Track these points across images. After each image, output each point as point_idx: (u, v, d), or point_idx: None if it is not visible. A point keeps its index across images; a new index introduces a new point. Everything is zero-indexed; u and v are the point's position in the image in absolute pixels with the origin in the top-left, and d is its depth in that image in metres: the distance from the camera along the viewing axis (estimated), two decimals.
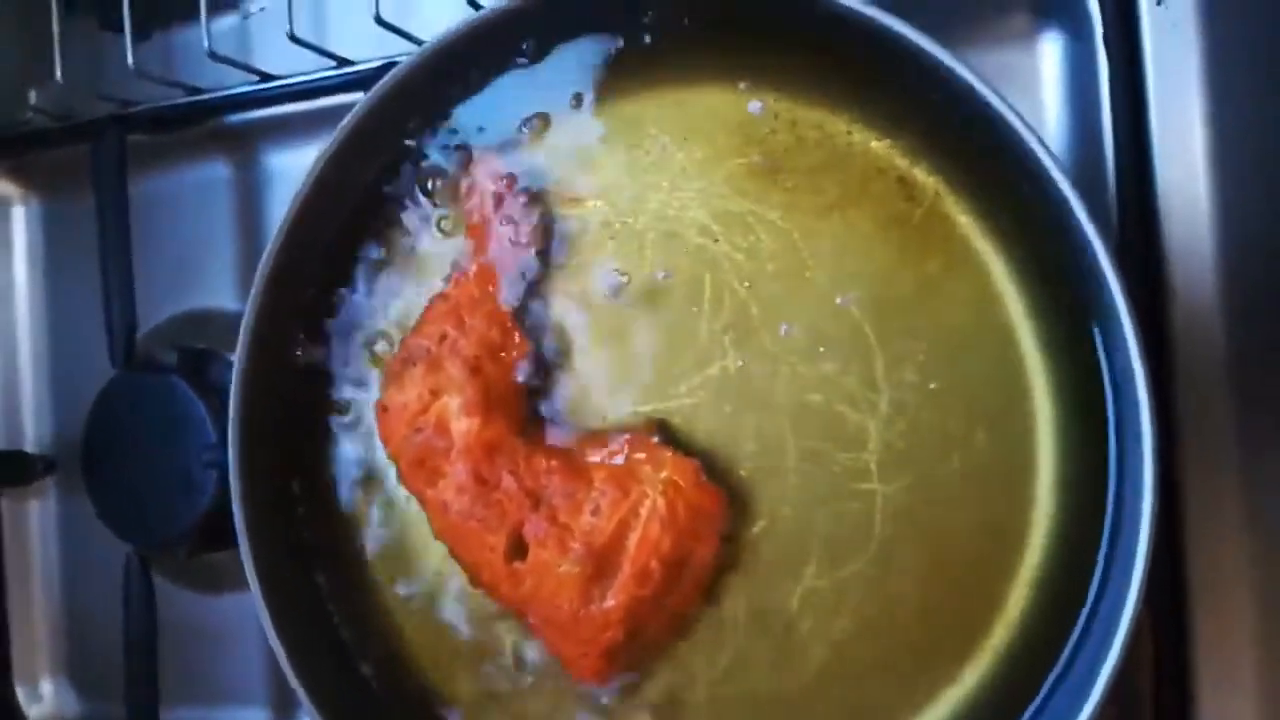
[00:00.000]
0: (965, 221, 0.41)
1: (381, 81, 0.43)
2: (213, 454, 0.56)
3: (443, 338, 0.44)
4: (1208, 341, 0.45)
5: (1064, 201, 0.36)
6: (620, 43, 0.44)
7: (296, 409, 0.48)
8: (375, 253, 0.48)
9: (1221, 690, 0.44)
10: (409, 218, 0.47)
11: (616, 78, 0.45)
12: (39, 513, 0.69)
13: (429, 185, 0.47)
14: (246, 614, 0.62)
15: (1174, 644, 0.45)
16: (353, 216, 0.47)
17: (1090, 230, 0.36)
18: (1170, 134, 0.45)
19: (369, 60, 0.56)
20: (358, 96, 0.44)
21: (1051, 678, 0.40)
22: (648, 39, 0.44)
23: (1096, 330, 0.40)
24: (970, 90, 0.37)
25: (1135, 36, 0.45)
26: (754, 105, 0.43)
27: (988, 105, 0.37)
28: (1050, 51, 0.48)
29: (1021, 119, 0.37)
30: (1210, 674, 0.45)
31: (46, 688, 0.69)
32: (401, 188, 0.47)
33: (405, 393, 0.44)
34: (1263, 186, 0.45)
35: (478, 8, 0.46)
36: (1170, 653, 0.45)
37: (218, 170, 0.64)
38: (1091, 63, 0.47)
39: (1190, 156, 0.45)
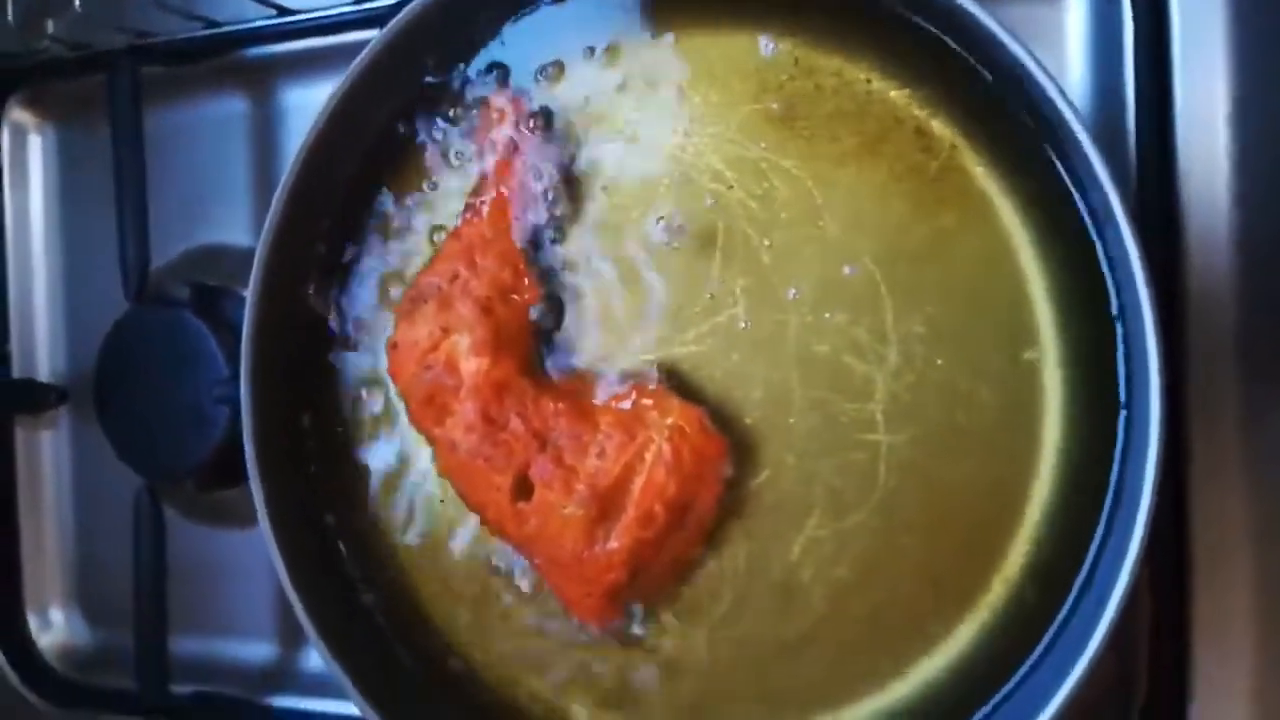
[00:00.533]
0: (981, 175, 0.41)
1: (398, 17, 0.43)
2: (224, 389, 0.57)
3: (454, 276, 0.44)
4: (1219, 305, 0.45)
5: (1084, 157, 0.36)
6: None
7: (309, 345, 0.48)
8: (390, 190, 0.48)
9: (1216, 649, 0.45)
10: (424, 156, 0.47)
11: (634, 22, 0.44)
12: (51, 442, 0.69)
13: (445, 125, 0.47)
14: (255, 548, 0.62)
15: (1172, 608, 0.45)
16: (368, 154, 0.47)
17: (1110, 188, 0.36)
18: (1193, 94, 0.44)
19: None
20: (376, 33, 0.44)
21: (1048, 635, 0.41)
22: None
23: (1111, 290, 0.39)
24: (993, 39, 0.37)
25: None
26: (771, 50, 0.43)
27: (1011, 56, 0.37)
28: (1075, 5, 0.47)
29: (1045, 70, 0.36)
30: (1206, 635, 0.45)
31: (57, 616, 0.70)
32: (418, 127, 0.47)
33: (416, 330, 0.44)
34: None
35: None
36: (1168, 617, 0.45)
37: (233, 105, 0.63)
38: (1116, 19, 0.46)
39: (1212, 117, 0.44)
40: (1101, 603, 0.37)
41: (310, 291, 0.48)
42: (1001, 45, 0.37)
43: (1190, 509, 0.45)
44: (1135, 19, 0.45)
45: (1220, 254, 0.45)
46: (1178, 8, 0.45)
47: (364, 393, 0.48)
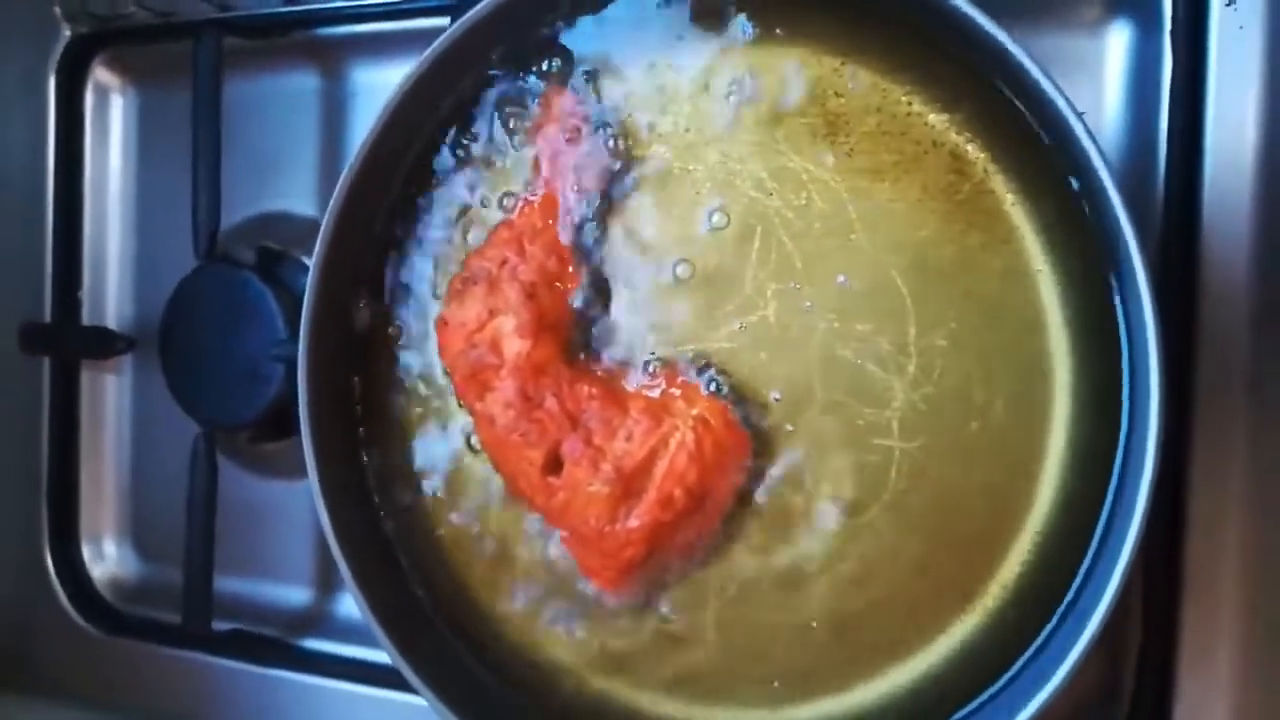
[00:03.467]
0: (1010, 201, 0.42)
1: (476, 8, 0.44)
2: (281, 349, 0.59)
3: (504, 262, 0.46)
4: (1233, 349, 0.46)
5: (1103, 192, 0.37)
6: None
7: (363, 316, 0.50)
8: (448, 175, 0.49)
9: (1200, 672, 0.47)
10: (481, 144, 0.49)
11: (690, 31, 0.46)
12: (115, 386, 0.72)
13: (504, 115, 0.48)
14: (299, 499, 0.65)
15: (1160, 633, 0.47)
16: (430, 138, 0.49)
17: (1125, 223, 0.37)
18: (1224, 135, 0.46)
19: None
20: (443, 21, 0.46)
21: (1040, 637, 0.42)
22: None
23: (1123, 322, 0.41)
24: (1023, 71, 0.38)
25: (1203, 34, 0.46)
26: (817, 67, 0.44)
27: (1039, 88, 0.38)
28: (1117, 42, 0.49)
29: (1069, 103, 0.37)
30: (1192, 657, 0.47)
31: (110, 548, 0.73)
32: (479, 115, 0.49)
33: (465, 310, 0.46)
34: None
35: None
36: (1156, 640, 0.47)
37: (305, 80, 0.65)
38: (1157, 56, 0.47)
39: (1240, 160, 0.45)
40: (1087, 614, 0.38)
41: (368, 262, 0.50)
42: (1030, 77, 0.38)
43: (1186, 538, 0.46)
44: (1174, 57, 0.46)
45: (1237, 295, 0.46)
46: (1216, 48, 0.46)
47: (412, 365, 0.50)
